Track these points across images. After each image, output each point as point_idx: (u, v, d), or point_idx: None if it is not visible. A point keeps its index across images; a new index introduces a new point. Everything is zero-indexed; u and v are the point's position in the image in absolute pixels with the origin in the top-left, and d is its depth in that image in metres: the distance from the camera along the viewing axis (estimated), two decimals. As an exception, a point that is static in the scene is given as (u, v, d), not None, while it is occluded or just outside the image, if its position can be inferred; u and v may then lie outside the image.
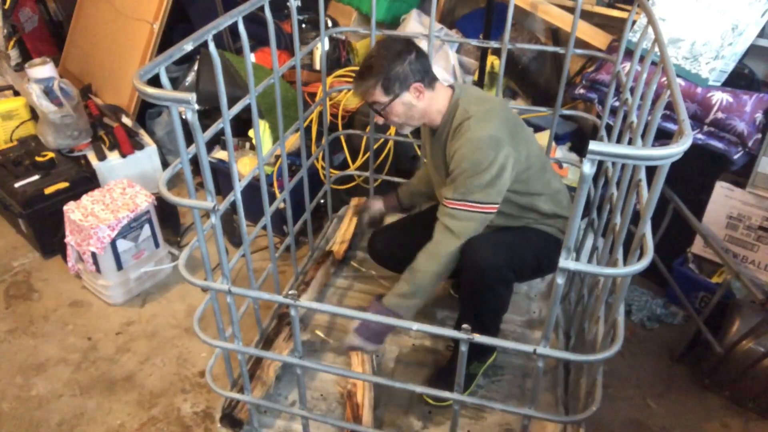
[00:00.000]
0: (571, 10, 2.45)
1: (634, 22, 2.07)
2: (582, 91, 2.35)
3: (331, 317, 2.03)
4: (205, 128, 1.30)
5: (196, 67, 2.88)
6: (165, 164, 2.97)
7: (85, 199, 2.26)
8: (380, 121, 1.65)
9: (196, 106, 1.06)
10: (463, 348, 1.23)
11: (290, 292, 1.27)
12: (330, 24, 3.16)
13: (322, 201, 2.48)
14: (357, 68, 2.75)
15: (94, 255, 2.19)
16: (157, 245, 2.39)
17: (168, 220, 2.61)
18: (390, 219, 2.15)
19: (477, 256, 1.53)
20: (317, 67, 2.94)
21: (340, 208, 2.53)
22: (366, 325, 1.60)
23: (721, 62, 2.05)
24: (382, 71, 1.53)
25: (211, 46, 1.34)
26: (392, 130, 2.45)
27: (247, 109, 1.64)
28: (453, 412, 1.35)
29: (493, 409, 1.60)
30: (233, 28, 1.57)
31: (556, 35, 2.80)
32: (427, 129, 1.76)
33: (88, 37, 3.26)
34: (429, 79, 1.60)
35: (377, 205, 2.07)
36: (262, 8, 1.61)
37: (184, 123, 1.09)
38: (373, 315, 1.36)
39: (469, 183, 1.51)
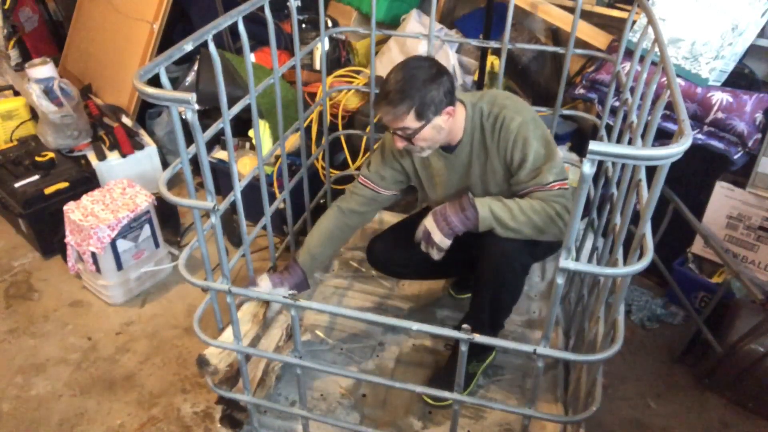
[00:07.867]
0: (571, 10, 2.45)
1: (634, 22, 2.06)
2: (582, 91, 2.35)
3: (331, 317, 2.03)
4: (205, 128, 1.30)
5: (196, 67, 2.88)
6: (165, 164, 2.97)
7: (85, 199, 2.25)
8: (400, 145, 1.54)
9: (196, 106, 1.06)
10: (463, 348, 1.23)
11: (290, 292, 1.28)
12: (330, 24, 3.16)
13: (322, 201, 2.48)
14: (357, 67, 2.80)
15: (94, 255, 2.19)
16: (157, 245, 2.39)
17: (168, 220, 2.60)
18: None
19: (499, 242, 1.53)
20: (317, 67, 2.94)
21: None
22: (446, 218, 1.53)
23: (721, 62, 2.05)
24: (415, 96, 1.44)
25: (211, 46, 1.34)
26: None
27: (247, 109, 1.64)
28: (453, 412, 1.35)
29: (493, 409, 1.60)
30: (233, 28, 1.57)
31: (556, 35, 2.80)
32: (436, 152, 1.66)
33: (88, 37, 3.26)
34: (455, 99, 1.54)
35: (278, 290, 1.69)
36: (262, 8, 1.62)
37: (184, 123, 1.09)
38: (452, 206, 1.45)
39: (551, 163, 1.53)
